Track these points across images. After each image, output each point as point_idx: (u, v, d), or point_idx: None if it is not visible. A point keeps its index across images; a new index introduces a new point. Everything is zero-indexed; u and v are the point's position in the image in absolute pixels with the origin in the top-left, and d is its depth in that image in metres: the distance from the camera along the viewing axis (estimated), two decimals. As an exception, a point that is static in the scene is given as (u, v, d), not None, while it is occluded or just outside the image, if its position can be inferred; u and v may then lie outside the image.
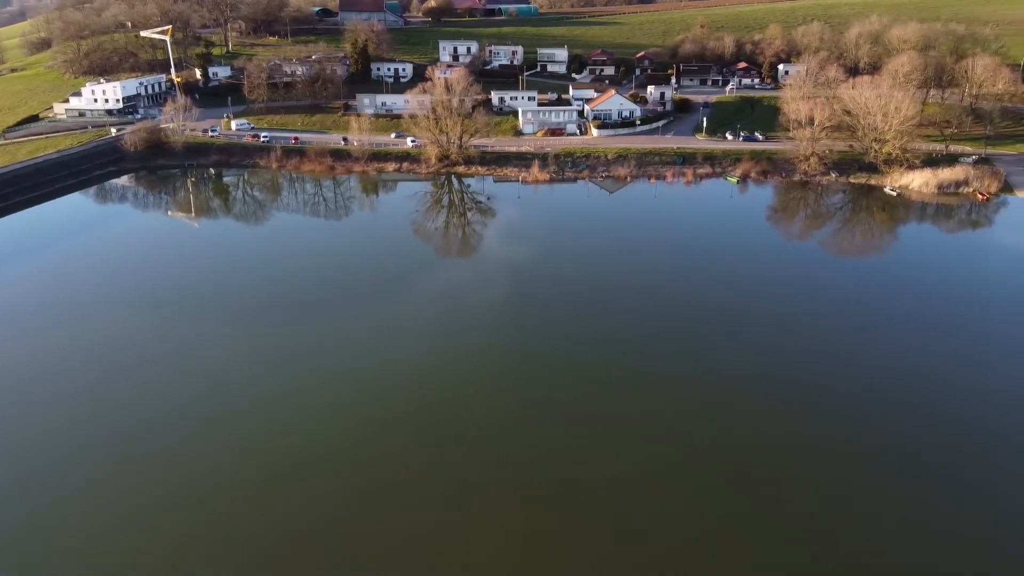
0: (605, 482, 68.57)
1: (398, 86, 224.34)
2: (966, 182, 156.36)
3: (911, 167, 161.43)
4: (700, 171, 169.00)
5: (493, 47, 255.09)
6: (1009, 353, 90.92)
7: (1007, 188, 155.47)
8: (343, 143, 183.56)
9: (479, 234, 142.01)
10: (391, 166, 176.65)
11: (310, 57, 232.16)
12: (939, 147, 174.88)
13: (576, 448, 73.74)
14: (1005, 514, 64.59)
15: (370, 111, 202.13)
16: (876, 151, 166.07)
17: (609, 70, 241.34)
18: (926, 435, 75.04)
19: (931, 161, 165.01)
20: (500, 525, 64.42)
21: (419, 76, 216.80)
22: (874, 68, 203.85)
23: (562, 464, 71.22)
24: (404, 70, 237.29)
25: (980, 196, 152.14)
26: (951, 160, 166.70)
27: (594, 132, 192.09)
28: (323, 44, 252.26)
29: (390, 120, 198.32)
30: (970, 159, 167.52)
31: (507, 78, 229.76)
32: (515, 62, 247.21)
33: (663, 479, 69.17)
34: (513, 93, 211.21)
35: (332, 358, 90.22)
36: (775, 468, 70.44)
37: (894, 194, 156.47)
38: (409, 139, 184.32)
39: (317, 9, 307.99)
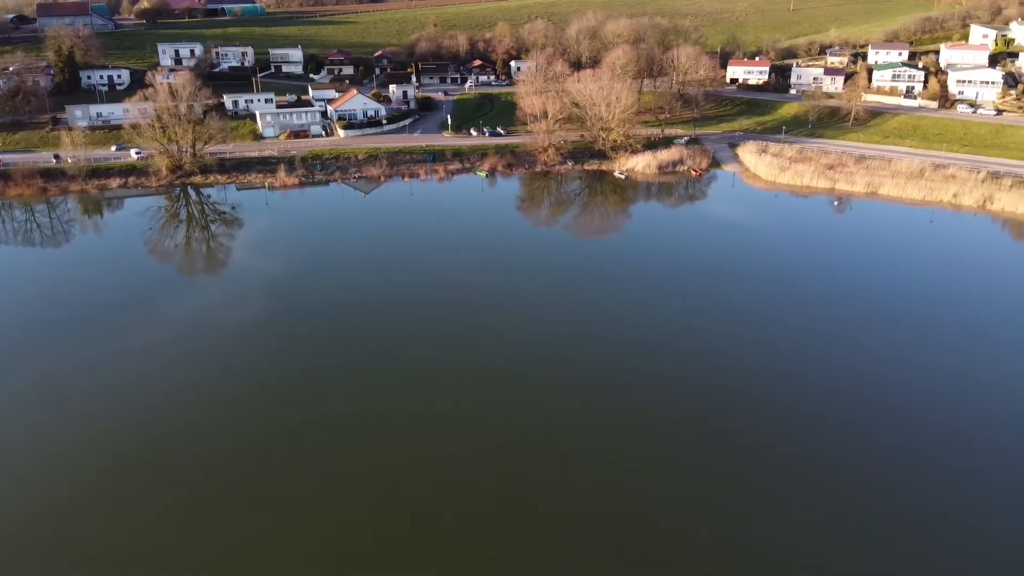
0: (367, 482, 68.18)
1: (114, 94, 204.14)
2: (681, 161, 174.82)
3: (635, 151, 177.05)
4: (451, 167, 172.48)
5: (220, 48, 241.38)
6: (717, 301, 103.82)
7: (715, 164, 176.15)
8: (55, 161, 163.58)
9: (226, 247, 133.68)
10: (115, 182, 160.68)
11: (6, 69, 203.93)
12: (656, 131, 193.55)
13: (344, 456, 73.07)
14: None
15: (84, 123, 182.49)
16: (604, 139, 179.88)
17: (348, 70, 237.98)
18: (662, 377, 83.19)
19: (651, 145, 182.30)
20: (243, 529, 62.19)
21: (138, 82, 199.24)
22: (595, 62, 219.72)
23: (312, 470, 70.66)
24: (120, 77, 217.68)
25: (694, 172, 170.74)
26: (667, 143, 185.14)
27: (341, 133, 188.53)
28: (21, 53, 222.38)
29: (109, 132, 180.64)
30: (683, 140, 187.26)
31: (239, 80, 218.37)
32: (246, 63, 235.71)
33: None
34: (248, 96, 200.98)
35: (54, 404, 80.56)
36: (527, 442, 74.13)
37: (623, 177, 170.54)
38: (133, 151, 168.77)
39: (11, 16, 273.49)
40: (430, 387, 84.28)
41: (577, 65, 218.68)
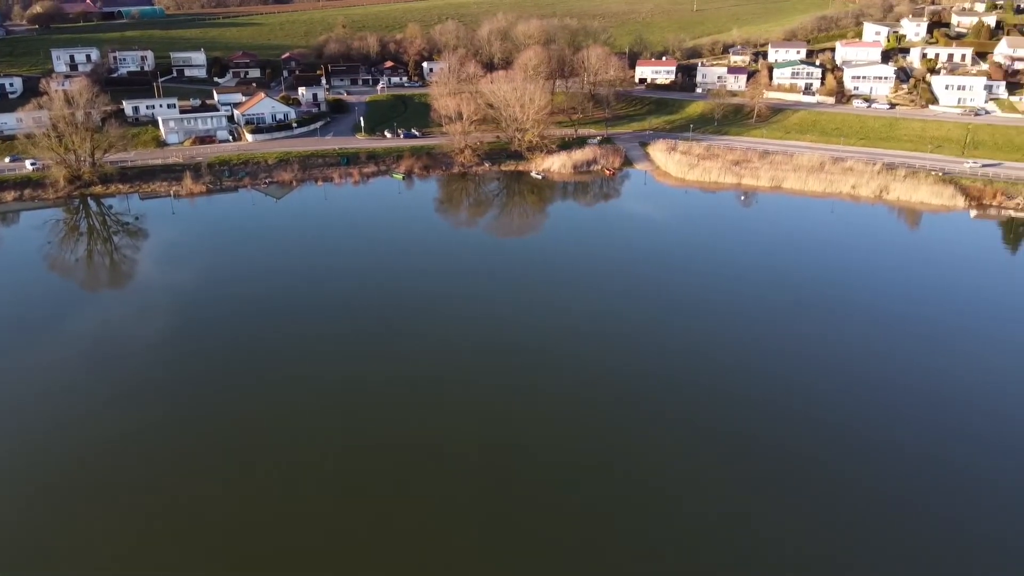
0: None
1: (7, 103, 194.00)
2: (595, 160, 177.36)
3: (550, 152, 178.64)
4: (366, 170, 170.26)
5: (118, 53, 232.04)
6: (634, 294, 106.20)
7: (628, 162, 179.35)
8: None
9: (131, 259, 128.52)
10: (9, 195, 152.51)
11: None
12: (570, 132, 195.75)
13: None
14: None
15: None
16: (519, 140, 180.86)
17: (254, 72, 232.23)
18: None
19: (565, 145, 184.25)
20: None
21: (32, 90, 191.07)
22: (507, 63, 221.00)
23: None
24: (12, 85, 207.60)
25: (608, 171, 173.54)
26: (581, 143, 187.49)
27: (249, 137, 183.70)
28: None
29: (1, 143, 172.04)
30: (596, 140, 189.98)
31: (140, 85, 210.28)
32: (146, 68, 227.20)
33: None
34: (149, 101, 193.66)
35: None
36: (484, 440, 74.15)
37: (540, 177, 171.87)
38: (28, 162, 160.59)
39: None
40: (356, 394, 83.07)
41: (490, 66, 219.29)
